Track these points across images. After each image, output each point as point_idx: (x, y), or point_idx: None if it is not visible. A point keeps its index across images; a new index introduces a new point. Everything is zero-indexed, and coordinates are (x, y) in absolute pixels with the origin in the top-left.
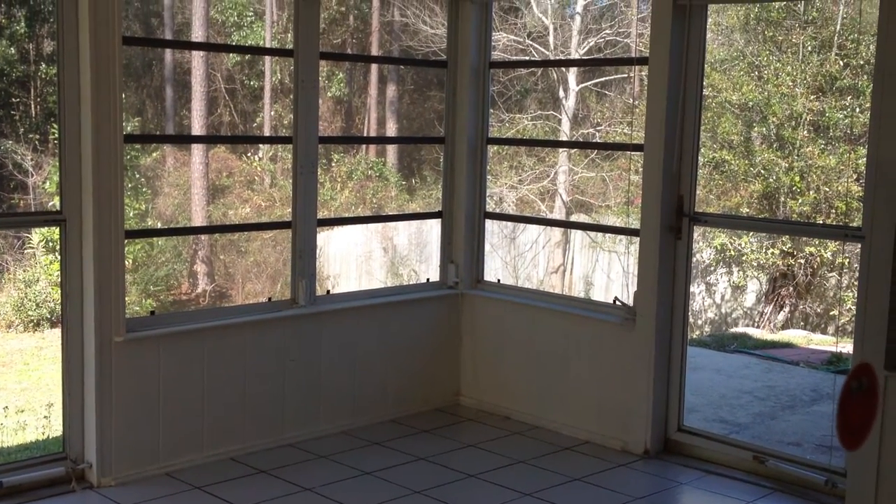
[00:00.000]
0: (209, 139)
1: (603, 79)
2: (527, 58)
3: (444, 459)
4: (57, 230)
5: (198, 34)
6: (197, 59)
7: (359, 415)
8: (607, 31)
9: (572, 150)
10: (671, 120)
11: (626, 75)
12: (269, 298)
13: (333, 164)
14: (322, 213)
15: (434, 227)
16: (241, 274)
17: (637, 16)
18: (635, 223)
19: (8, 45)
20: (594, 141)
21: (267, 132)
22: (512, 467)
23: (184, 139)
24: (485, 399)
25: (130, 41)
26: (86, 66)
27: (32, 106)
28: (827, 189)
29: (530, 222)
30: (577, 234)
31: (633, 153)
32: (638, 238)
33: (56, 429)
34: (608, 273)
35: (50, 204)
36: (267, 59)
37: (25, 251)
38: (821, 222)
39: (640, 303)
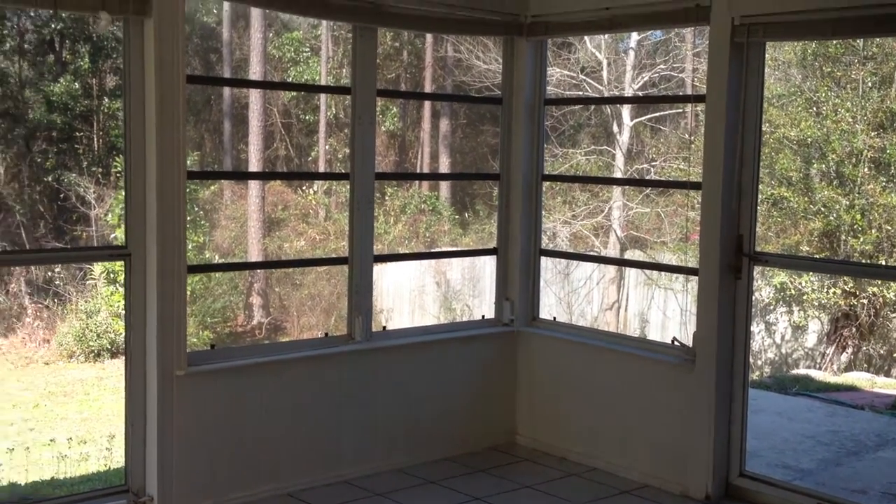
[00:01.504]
0: (269, 175)
1: (658, 114)
2: (580, 93)
3: (500, 500)
4: (119, 263)
5: (255, 70)
6: (254, 94)
7: (414, 452)
8: (661, 66)
9: (626, 186)
10: (729, 157)
11: (681, 110)
12: (326, 333)
13: (387, 198)
14: (375, 247)
15: (488, 262)
16: (295, 307)
17: (692, 50)
18: (692, 260)
19: (72, 80)
20: (649, 179)
21: (322, 166)
22: None
23: (245, 175)
24: (541, 438)
25: (193, 79)
26: (150, 102)
27: (95, 139)
28: (889, 227)
29: (586, 260)
30: (632, 271)
31: (690, 189)
32: (696, 277)
33: (118, 460)
34: (664, 311)
35: (112, 236)
36: (322, 94)
37: (87, 282)
38: (883, 262)
39: (699, 344)
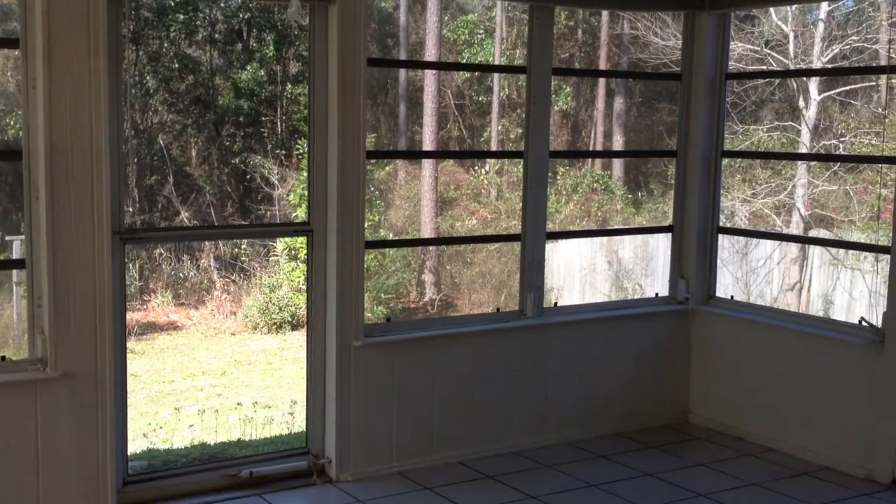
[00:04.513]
0: (443, 154)
1: (848, 87)
2: (765, 67)
3: (673, 477)
4: (300, 240)
5: (431, 53)
6: (429, 76)
7: (585, 427)
8: (853, 37)
9: (812, 163)
10: None
11: (874, 83)
12: (497, 309)
13: (559, 177)
14: (547, 226)
15: (661, 241)
16: (466, 284)
17: (888, 20)
18: (883, 239)
19: (258, 67)
20: (838, 153)
21: (494, 146)
22: (745, 489)
23: (420, 155)
24: (715, 418)
25: (373, 62)
26: (333, 86)
27: (279, 123)
28: None
29: (767, 237)
30: (815, 251)
31: (882, 165)
32: (888, 255)
33: (299, 425)
34: (850, 292)
35: (293, 215)
36: (496, 75)
37: (270, 258)
38: None
39: (890, 324)
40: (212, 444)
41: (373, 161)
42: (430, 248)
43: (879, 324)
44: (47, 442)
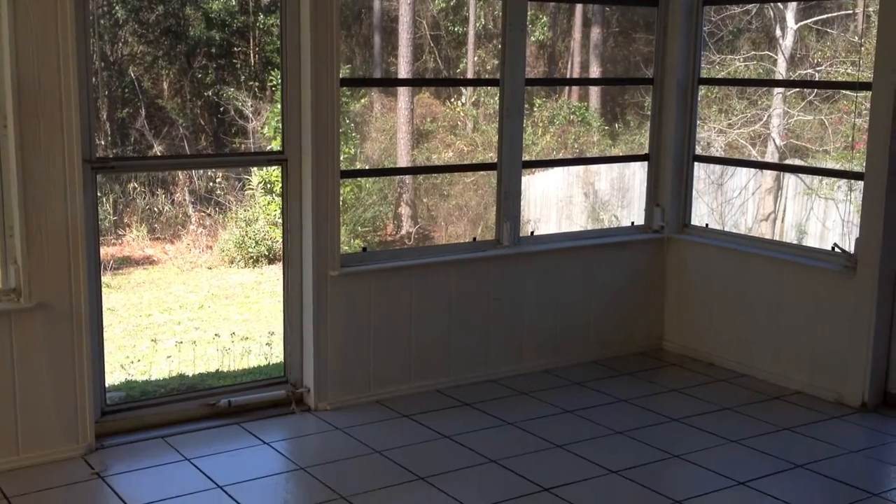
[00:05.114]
0: (418, 82)
1: (825, 15)
2: None
3: (647, 402)
4: (275, 173)
5: None
6: (404, 6)
7: (561, 355)
8: None
9: (788, 93)
10: None
11: (850, 11)
12: (474, 239)
13: (535, 109)
14: (524, 158)
15: (637, 173)
16: (443, 217)
17: None
18: (858, 168)
19: None
20: (814, 80)
21: (470, 76)
22: (717, 414)
23: (394, 82)
24: (689, 345)
25: None
26: (306, 16)
27: (251, 55)
28: None
29: (743, 165)
30: (790, 180)
31: (858, 94)
32: (861, 182)
33: (277, 356)
34: (823, 222)
35: (268, 147)
36: (472, 3)
37: (245, 192)
38: None
39: (862, 250)
40: (190, 375)
41: (348, 93)
42: (407, 181)
43: (852, 250)
44: (24, 373)
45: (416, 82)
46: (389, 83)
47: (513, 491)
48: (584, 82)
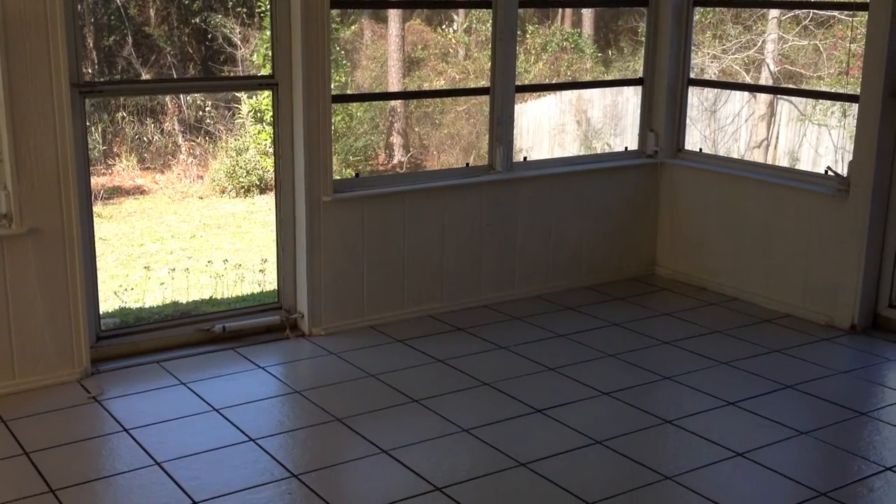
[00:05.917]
0: (411, 4)
1: None
2: None
3: (639, 326)
4: (265, 101)
5: None
6: None
7: (553, 280)
8: None
9: (783, 18)
10: None
11: None
12: (467, 164)
13: (528, 36)
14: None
15: (631, 99)
16: (435, 146)
17: None
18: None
19: None
20: (811, 0)
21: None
22: (708, 336)
23: (385, 4)
24: (681, 269)
25: None
26: None
27: None
28: None
29: (737, 89)
30: (783, 106)
31: (853, 16)
32: (855, 105)
33: (270, 283)
34: (816, 148)
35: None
36: None
37: (236, 121)
38: None
39: (855, 173)
40: (184, 302)
41: (338, 20)
42: (399, 109)
43: (845, 173)
44: (17, 299)
45: (407, 4)
46: (380, 5)
47: (506, 412)
48: (579, 4)
